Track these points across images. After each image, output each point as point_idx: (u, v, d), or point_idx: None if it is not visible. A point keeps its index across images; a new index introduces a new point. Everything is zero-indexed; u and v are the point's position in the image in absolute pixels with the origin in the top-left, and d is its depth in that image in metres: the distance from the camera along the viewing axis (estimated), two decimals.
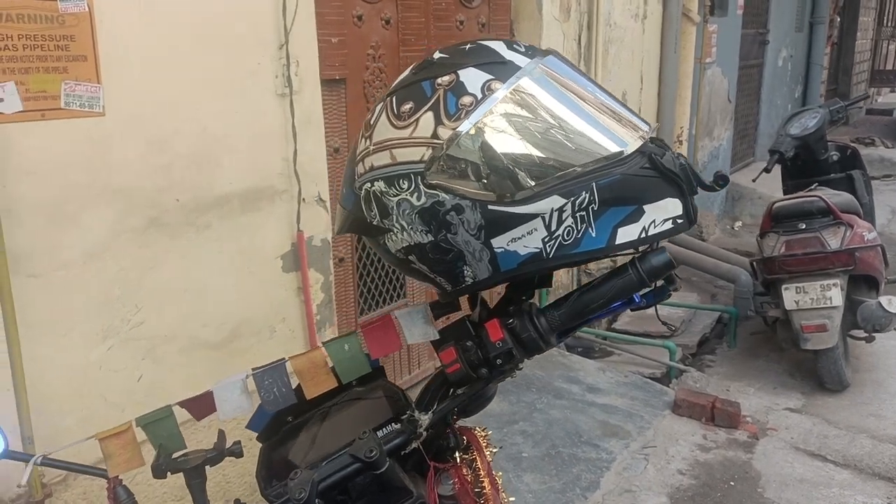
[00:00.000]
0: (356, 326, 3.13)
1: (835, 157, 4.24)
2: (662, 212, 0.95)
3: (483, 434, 1.17)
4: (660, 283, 1.04)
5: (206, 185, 2.27)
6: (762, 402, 3.67)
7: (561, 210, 0.92)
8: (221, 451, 1.05)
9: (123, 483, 1.03)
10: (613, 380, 3.72)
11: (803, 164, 4.21)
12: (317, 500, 1.02)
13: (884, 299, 3.49)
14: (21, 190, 1.84)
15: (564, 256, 0.94)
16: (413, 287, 3.42)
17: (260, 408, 1.07)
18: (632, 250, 0.99)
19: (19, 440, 1.86)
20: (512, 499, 1.16)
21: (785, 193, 4.25)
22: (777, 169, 4.18)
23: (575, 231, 0.93)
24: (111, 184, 2.02)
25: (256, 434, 1.18)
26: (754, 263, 3.89)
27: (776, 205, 3.75)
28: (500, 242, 0.94)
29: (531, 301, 1.07)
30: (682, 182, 0.96)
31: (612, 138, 0.96)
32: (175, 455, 1.04)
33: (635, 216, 0.94)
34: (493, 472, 1.15)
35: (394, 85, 1.03)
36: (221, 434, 1.09)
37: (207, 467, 1.14)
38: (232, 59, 2.28)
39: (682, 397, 3.49)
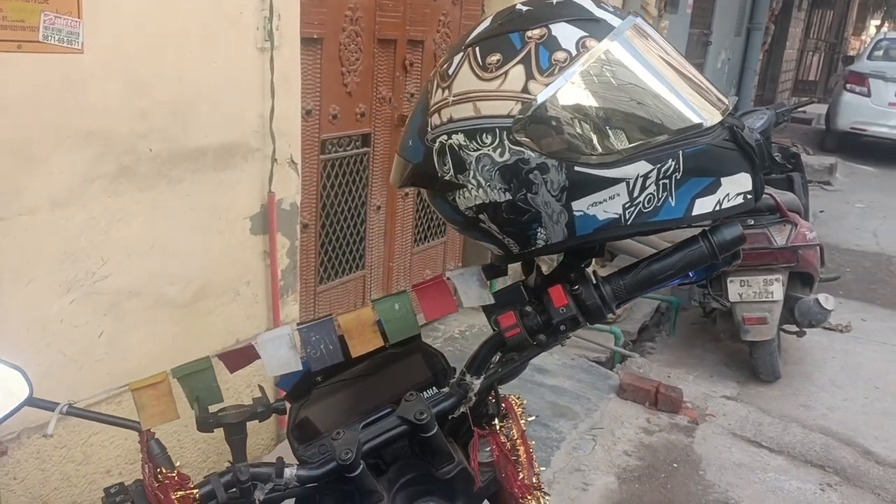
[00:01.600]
0: (314, 295, 3.06)
1: (777, 159, 4.39)
2: (736, 186, 0.95)
3: (519, 402, 1.15)
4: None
5: (182, 136, 2.15)
6: (700, 389, 3.79)
7: (646, 176, 0.91)
8: (268, 407, 0.99)
9: (156, 436, 0.96)
10: (560, 362, 3.77)
11: None
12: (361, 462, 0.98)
13: (821, 297, 3.66)
14: None
15: (642, 224, 0.93)
16: (372, 258, 3.36)
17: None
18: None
19: None
20: (543, 468, 1.14)
21: None
22: None
23: (655, 199, 0.92)
24: (85, 126, 1.90)
25: (285, 393, 1.12)
26: None
27: None
28: (580, 206, 0.92)
29: (592, 269, 1.05)
30: (756, 157, 0.96)
31: (698, 108, 0.95)
32: (212, 409, 0.98)
33: (712, 188, 0.94)
34: (528, 441, 1.13)
35: (474, 35, 0.99)
36: (262, 390, 1.03)
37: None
38: (214, 4, 2.16)
39: (627, 382, 3.57)
